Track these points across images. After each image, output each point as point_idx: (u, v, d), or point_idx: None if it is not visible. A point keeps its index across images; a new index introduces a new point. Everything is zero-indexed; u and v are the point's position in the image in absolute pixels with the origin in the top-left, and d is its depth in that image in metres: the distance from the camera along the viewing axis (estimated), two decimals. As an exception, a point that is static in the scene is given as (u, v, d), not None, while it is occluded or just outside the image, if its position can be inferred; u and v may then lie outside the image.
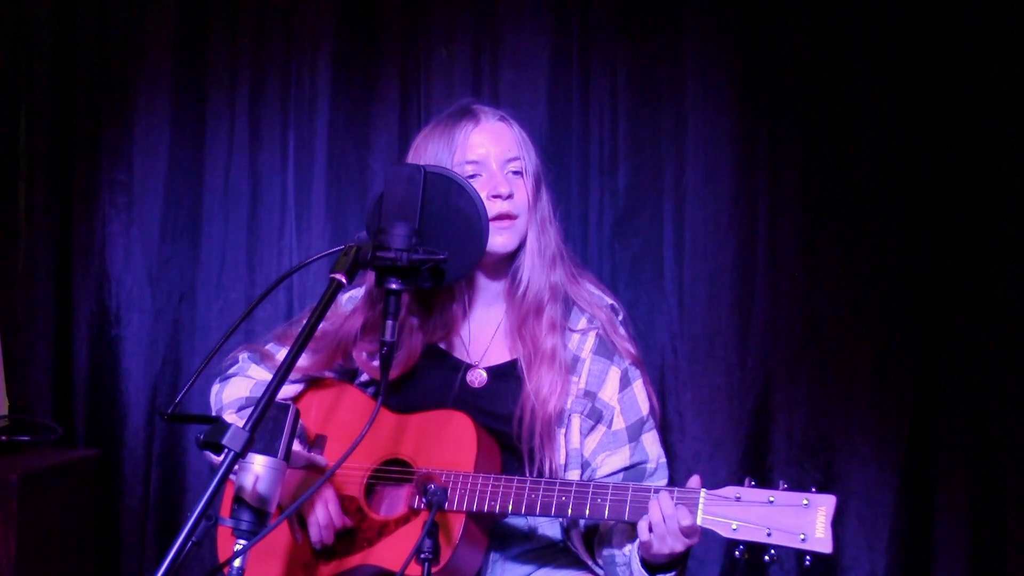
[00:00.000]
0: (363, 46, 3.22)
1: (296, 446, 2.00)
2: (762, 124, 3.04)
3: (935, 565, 2.92)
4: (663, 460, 2.14)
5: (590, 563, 2.11)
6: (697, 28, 3.08)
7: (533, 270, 2.11)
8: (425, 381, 2.14)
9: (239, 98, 3.26)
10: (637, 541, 1.92)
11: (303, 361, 2.15)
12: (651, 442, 2.13)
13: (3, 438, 2.98)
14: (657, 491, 1.88)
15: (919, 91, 2.95)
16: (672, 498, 1.85)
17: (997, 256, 2.90)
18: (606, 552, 2.07)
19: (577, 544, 2.12)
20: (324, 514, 2.04)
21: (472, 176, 2.07)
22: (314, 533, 2.05)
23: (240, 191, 3.25)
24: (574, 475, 2.08)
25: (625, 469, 2.09)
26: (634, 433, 2.11)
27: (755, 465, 2.97)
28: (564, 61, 3.13)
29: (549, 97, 3.12)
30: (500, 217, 2.06)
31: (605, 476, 2.08)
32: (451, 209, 1.84)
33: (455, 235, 1.83)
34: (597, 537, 2.11)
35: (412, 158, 2.13)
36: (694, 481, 1.89)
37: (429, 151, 2.10)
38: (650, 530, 1.86)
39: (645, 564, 1.94)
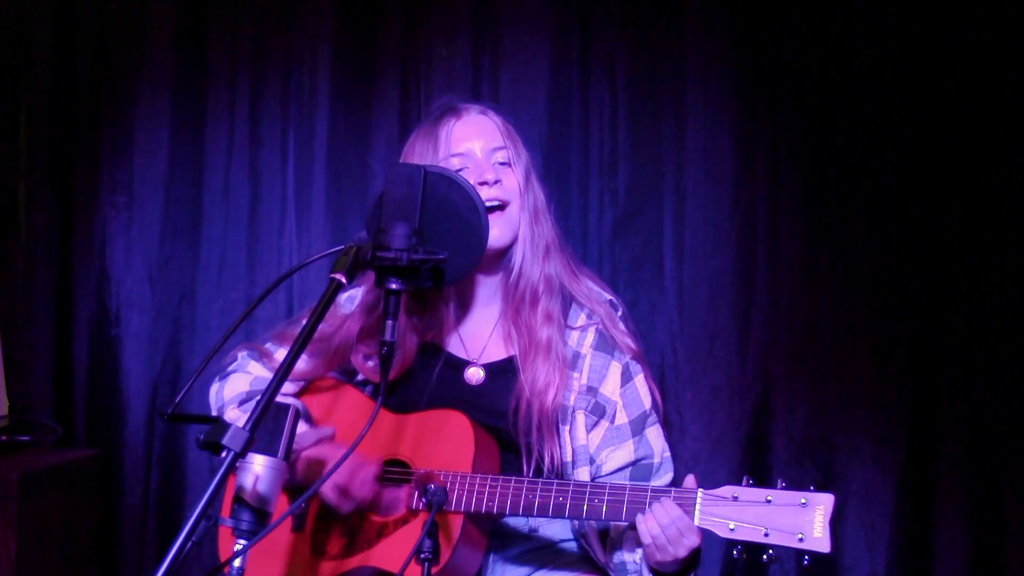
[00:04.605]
0: (363, 46, 3.22)
1: (303, 427, 2.00)
2: (762, 124, 3.05)
3: (935, 565, 2.92)
4: (667, 454, 2.13)
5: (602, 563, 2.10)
6: (697, 28, 3.08)
7: (525, 259, 2.11)
8: (423, 380, 2.14)
9: (239, 98, 3.26)
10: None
11: (303, 366, 2.15)
12: (655, 436, 2.12)
13: (3, 438, 2.98)
14: (655, 493, 1.88)
15: (919, 91, 2.95)
16: (671, 499, 1.85)
17: (997, 255, 2.90)
18: (616, 558, 2.06)
19: (595, 545, 2.10)
20: (351, 477, 2.00)
21: (459, 169, 2.07)
22: (336, 498, 2.01)
23: (240, 191, 3.25)
24: (583, 472, 2.08)
25: (631, 464, 2.09)
26: (637, 427, 2.10)
27: (755, 465, 2.97)
28: (564, 61, 3.13)
29: (549, 97, 3.12)
30: (491, 208, 2.06)
31: (611, 472, 2.08)
32: (451, 208, 1.84)
33: (455, 235, 1.83)
34: (608, 541, 2.10)
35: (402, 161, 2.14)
36: (689, 481, 1.89)
37: (416, 152, 2.12)
38: (652, 540, 1.86)
39: (655, 573, 1.94)
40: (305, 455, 2.02)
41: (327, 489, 2.01)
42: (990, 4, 2.90)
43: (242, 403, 2.15)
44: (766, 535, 1.79)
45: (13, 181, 3.30)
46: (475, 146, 2.11)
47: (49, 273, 3.29)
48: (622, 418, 2.10)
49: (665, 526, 1.84)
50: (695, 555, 1.90)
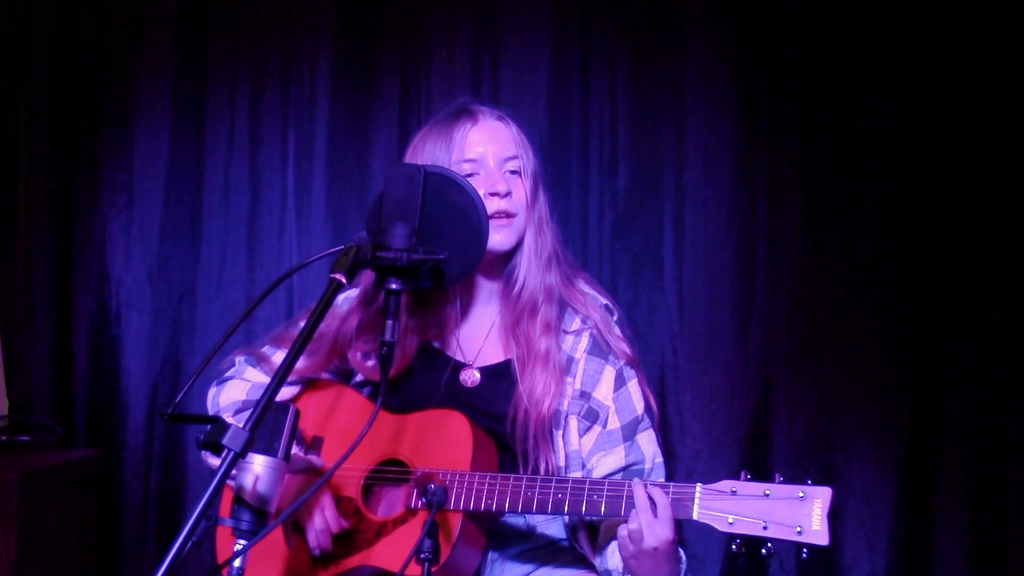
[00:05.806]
0: (363, 46, 3.22)
1: (294, 449, 2.00)
2: (762, 124, 3.04)
3: (935, 565, 2.92)
4: (659, 460, 2.13)
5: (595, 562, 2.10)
6: (697, 28, 3.08)
7: (529, 270, 2.11)
8: (418, 380, 2.14)
9: (239, 98, 3.26)
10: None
11: (300, 363, 2.14)
12: (646, 442, 2.12)
13: (3, 438, 2.99)
14: (653, 487, 1.87)
15: (919, 91, 2.95)
16: (667, 493, 1.85)
17: (996, 255, 2.90)
18: (601, 564, 2.07)
19: (584, 545, 2.10)
20: (320, 519, 2.03)
21: (470, 175, 2.07)
22: (312, 539, 2.04)
23: (240, 191, 3.26)
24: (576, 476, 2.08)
25: (621, 470, 2.08)
26: (629, 433, 2.10)
27: (755, 465, 2.97)
28: (564, 61, 3.13)
29: (549, 97, 3.12)
30: (498, 215, 2.06)
31: (602, 478, 2.07)
32: (451, 209, 1.84)
33: (455, 235, 1.83)
34: (596, 545, 2.10)
35: (410, 158, 2.13)
36: None
37: (427, 151, 2.11)
38: (631, 540, 1.86)
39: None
40: (290, 477, 2.01)
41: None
42: (991, 4, 2.90)
43: (237, 412, 2.14)
44: (765, 528, 1.79)
45: (13, 181, 3.30)
46: (488, 153, 2.10)
47: (49, 273, 3.29)
48: (614, 423, 2.10)
49: (645, 514, 1.84)
50: (676, 562, 1.89)
